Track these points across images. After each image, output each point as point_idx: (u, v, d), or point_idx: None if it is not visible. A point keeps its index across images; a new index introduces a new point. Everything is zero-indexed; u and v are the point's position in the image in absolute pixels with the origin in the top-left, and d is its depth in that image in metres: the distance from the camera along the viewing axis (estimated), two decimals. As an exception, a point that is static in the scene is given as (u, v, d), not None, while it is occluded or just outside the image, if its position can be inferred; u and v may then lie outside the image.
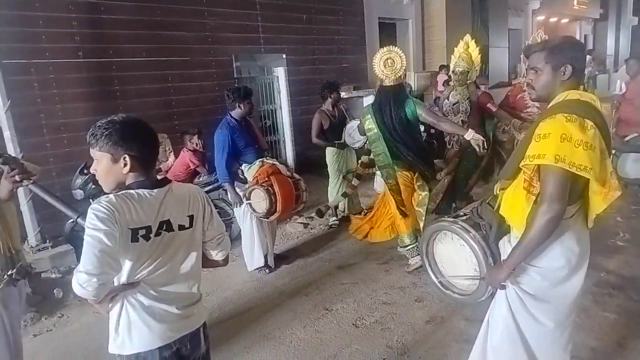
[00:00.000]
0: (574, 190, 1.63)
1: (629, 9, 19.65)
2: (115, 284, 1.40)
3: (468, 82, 4.35)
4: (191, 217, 1.52)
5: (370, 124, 3.55)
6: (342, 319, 3.10)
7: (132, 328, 1.44)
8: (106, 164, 1.40)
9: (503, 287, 1.77)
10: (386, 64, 3.45)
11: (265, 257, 3.89)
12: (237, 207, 3.76)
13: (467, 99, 4.34)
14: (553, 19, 16.25)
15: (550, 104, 1.68)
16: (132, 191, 1.40)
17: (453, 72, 4.41)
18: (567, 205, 1.59)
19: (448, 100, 4.43)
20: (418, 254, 3.55)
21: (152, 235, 1.40)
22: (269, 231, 3.91)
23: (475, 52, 4.41)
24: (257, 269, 3.88)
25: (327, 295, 3.44)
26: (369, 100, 8.08)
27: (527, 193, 1.67)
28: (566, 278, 1.74)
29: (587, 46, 17.74)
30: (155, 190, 1.43)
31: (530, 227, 1.59)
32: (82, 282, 1.28)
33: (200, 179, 4.53)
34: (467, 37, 4.56)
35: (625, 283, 3.22)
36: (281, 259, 4.14)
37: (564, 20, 17.01)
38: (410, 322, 2.98)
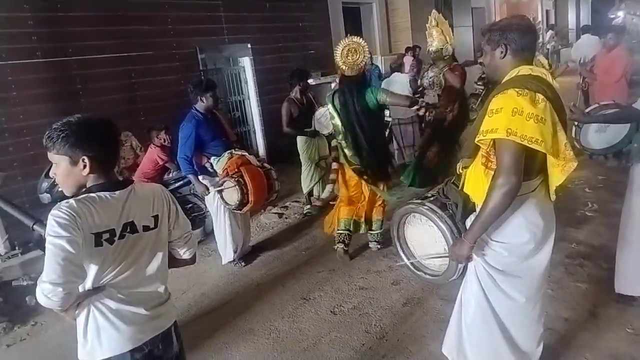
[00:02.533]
0: (533, 164, 1.67)
1: (588, -18, 20.15)
2: (80, 289, 1.37)
3: (445, 57, 4.45)
4: (156, 217, 1.48)
5: (333, 114, 3.48)
6: (320, 307, 3.10)
7: (100, 333, 1.41)
8: (65, 167, 1.36)
9: (469, 261, 1.81)
10: (348, 54, 3.32)
11: (236, 249, 3.84)
12: (205, 196, 3.70)
13: (441, 74, 4.49)
14: (516, -4, 16.44)
15: (503, 80, 1.70)
16: (93, 194, 1.36)
17: (428, 51, 4.56)
18: (525, 179, 1.62)
19: (428, 76, 4.57)
20: (341, 242, 3.64)
21: (116, 239, 1.37)
22: (242, 223, 3.88)
23: (445, 25, 4.48)
24: (230, 262, 3.85)
25: (304, 284, 3.44)
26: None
27: (486, 168, 1.70)
28: (533, 252, 1.78)
29: (549, 21, 18.11)
30: (117, 192, 1.40)
31: (487, 200, 1.61)
32: (46, 293, 1.25)
33: (170, 175, 4.43)
34: (434, 12, 4.62)
35: (595, 252, 3.31)
36: (257, 250, 4.11)
37: (526, -3, 17.24)
38: (388, 306, 3.01)
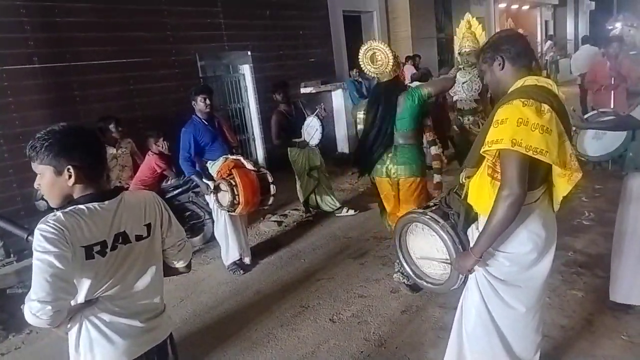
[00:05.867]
0: (537, 174, 1.66)
1: (585, -6, 20.37)
2: (72, 303, 1.33)
3: (474, 63, 4.18)
4: (148, 226, 1.45)
5: (359, 118, 3.27)
6: (319, 315, 3.08)
7: (94, 346, 1.37)
8: (50, 178, 1.31)
9: (471, 272, 1.80)
10: (372, 60, 3.10)
11: (241, 250, 3.86)
12: (207, 194, 3.73)
13: (478, 77, 4.18)
14: (514, 6, 16.60)
15: (509, 91, 1.70)
16: (81, 206, 1.31)
17: (459, 53, 4.28)
18: (529, 189, 1.61)
19: (459, 82, 4.28)
20: None
21: (107, 250, 1.32)
22: (242, 228, 3.89)
23: (479, 29, 4.29)
24: (232, 262, 3.85)
25: (303, 292, 3.42)
26: (337, 94, 8.09)
27: (492, 179, 1.69)
28: (534, 262, 1.77)
29: (548, 31, 18.28)
30: (106, 202, 1.35)
31: (493, 212, 1.60)
32: (35, 312, 1.20)
33: (169, 183, 4.41)
34: (468, 15, 4.41)
35: (592, 261, 3.33)
36: (256, 257, 4.09)
37: (525, 7, 17.41)
38: (387, 314, 2.99)
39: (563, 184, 1.68)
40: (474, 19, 4.37)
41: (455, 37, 4.49)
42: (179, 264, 1.60)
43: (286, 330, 2.95)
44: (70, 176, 1.30)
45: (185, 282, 3.65)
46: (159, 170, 4.27)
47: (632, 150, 2.53)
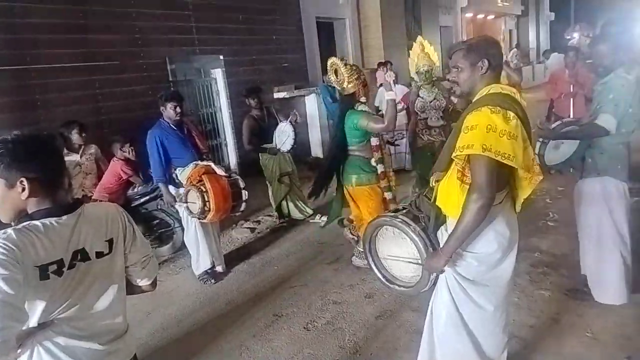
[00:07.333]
0: (501, 177, 1.73)
1: (546, 5, 21.32)
2: (23, 327, 1.19)
3: (434, 79, 4.53)
4: (110, 241, 1.35)
5: None
6: (292, 323, 3.03)
7: None
8: (1, 191, 1.22)
9: (442, 272, 1.85)
10: (335, 74, 3.40)
11: (213, 258, 3.77)
12: (171, 206, 3.68)
13: (442, 95, 4.52)
14: (480, 16, 17.17)
15: (475, 98, 1.78)
16: (35, 222, 1.21)
17: (418, 72, 4.53)
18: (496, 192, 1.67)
19: (422, 98, 4.52)
20: None
21: (65, 269, 1.22)
22: (214, 235, 3.81)
23: (431, 50, 4.58)
24: (203, 271, 3.75)
25: (277, 300, 3.36)
26: (311, 99, 8.10)
27: (461, 183, 1.75)
28: (500, 261, 1.86)
29: (513, 41, 18.96)
30: (64, 217, 1.25)
31: (463, 214, 1.66)
32: None
33: (135, 190, 4.26)
34: (419, 38, 4.73)
35: (557, 261, 3.43)
36: (228, 266, 3.99)
37: (490, 17, 18.05)
38: (361, 319, 2.98)
39: (525, 186, 1.79)
40: (426, 41, 4.68)
41: (409, 58, 4.74)
42: (143, 282, 1.50)
43: (259, 340, 2.89)
44: (23, 189, 1.20)
45: (152, 293, 3.44)
46: (124, 177, 4.11)
47: (590, 157, 2.63)
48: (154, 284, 1.55)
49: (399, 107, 4.89)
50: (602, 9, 11.86)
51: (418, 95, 4.57)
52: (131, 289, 1.49)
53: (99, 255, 1.31)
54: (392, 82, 3.26)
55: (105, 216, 1.36)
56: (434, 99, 4.53)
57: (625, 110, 2.46)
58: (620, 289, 2.67)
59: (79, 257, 1.26)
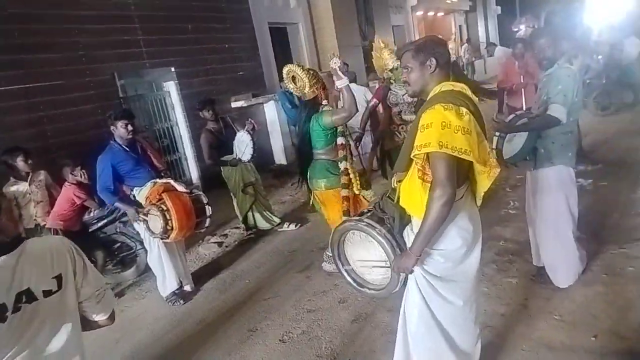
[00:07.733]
0: (460, 172, 1.75)
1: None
2: None
3: (399, 76, 4.52)
4: (59, 277, 1.25)
5: None
6: (267, 337, 2.96)
7: None
8: None
9: (412, 272, 1.86)
10: (293, 80, 3.36)
11: (180, 278, 3.62)
12: (135, 221, 3.48)
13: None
14: (430, 14, 17.65)
15: (429, 97, 1.79)
16: None
17: (390, 70, 4.41)
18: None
19: (394, 92, 4.40)
20: None
21: (8, 314, 1.13)
22: (180, 253, 3.68)
23: (391, 47, 4.55)
24: (171, 293, 3.59)
25: (250, 314, 3.27)
26: (270, 106, 8.01)
27: (423, 182, 1.75)
28: (465, 256, 1.88)
29: (462, 36, 19.61)
30: (2, 258, 1.16)
31: (428, 212, 1.68)
32: None
33: (92, 214, 4.04)
34: (377, 37, 4.73)
35: (521, 248, 3.48)
36: (196, 284, 3.86)
37: (440, 14, 18.60)
38: (337, 326, 2.95)
39: (483, 180, 1.81)
40: (384, 39, 4.70)
41: (372, 59, 4.71)
42: (100, 317, 1.41)
43: (234, 357, 2.80)
44: None
45: (119, 321, 3.27)
46: (78, 202, 3.89)
47: (542, 147, 2.72)
48: (111, 318, 1.46)
49: (372, 103, 4.87)
50: (546, 1, 12.42)
51: (390, 89, 4.57)
52: (87, 324, 1.40)
53: (47, 293, 1.22)
54: (337, 68, 3.16)
55: (50, 251, 1.27)
56: (406, 92, 4.56)
57: (572, 99, 2.57)
58: (577, 270, 2.81)
59: (23, 299, 1.17)
